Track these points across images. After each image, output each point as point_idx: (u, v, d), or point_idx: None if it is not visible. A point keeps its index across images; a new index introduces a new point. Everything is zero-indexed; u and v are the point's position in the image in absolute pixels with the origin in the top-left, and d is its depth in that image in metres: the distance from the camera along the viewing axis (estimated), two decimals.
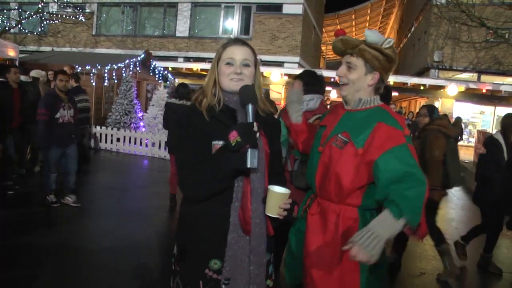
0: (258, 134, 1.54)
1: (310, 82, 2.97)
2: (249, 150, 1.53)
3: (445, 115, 13.12)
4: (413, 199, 1.63)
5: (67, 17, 18.86)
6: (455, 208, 7.75)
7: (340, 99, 2.06)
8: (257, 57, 1.78)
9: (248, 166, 1.53)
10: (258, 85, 1.75)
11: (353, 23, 34.70)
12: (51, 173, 5.37)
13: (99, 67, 11.43)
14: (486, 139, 4.70)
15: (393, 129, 1.78)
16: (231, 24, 20.28)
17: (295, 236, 2.07)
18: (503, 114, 17.50)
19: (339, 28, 1.99)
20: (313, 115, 2.84)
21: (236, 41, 1.73)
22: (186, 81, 17.43)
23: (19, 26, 17.87)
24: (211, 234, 1.64)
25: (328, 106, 4.63)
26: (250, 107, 1.59)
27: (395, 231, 1.62)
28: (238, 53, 1.69)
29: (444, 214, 7.18)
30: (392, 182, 1.68)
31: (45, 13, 18.18)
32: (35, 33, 19.34)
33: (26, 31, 18.44)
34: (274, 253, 1.84)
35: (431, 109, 4.36)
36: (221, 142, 1.61)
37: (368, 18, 34.27)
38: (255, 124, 1.55)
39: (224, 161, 1.56)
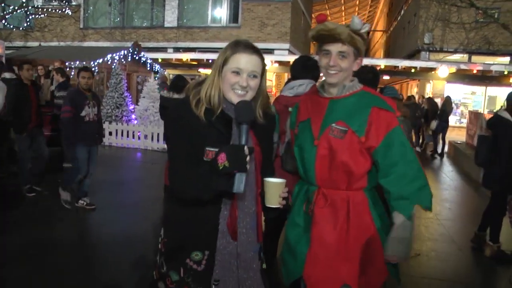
0: (248, 158, 1.47)
1: (300, 68, 3.05)
2: (236, 174, 1.47)
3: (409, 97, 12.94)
4: (421, 192, 1.85)
5: (53, 11, 18.59)
6: (448, 189, 7.82)
7: None
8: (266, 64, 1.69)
9: (234, 191, 1.49)
10: (262, 91, 1.68)
11: (343, 7, 34.52)
12: (79, 174, 5.15)
13: (88, 60, 11.31)
14: (493, 120, 4.45)
15: (387, 113, 1.85)
16: (220, 12, 20.10)
17: (293, 231, 2.04)
18: (494, 94, 17.63)
19: (322, 16, 1.92)
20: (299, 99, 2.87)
21: (247, 47, 1.59)
22: (177, 71, 17.34)
23: (3, 21, 17.59)
24: (198, 237, 1.66)
25: None
26: (244, 127, 1.51)
27: (411, 227, 1.85)
28: (246, 63, 1.57)
29: (437, 194, 7.24)
30: (392, 166, 1.84)
31: (30, 7, 17.88)
32: (20, 28, 19.07)
33: (11, 26, 18.16)
34: (267, 248, 1.87)
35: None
36: (213, 150, 1.55)
37: (357, 2, 34.09)
38: (246, 148, 1.47)
39: (211, 179, 1.51)
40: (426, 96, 15.46)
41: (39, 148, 5.85)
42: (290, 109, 2.91)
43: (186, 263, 1.68)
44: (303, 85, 2.99)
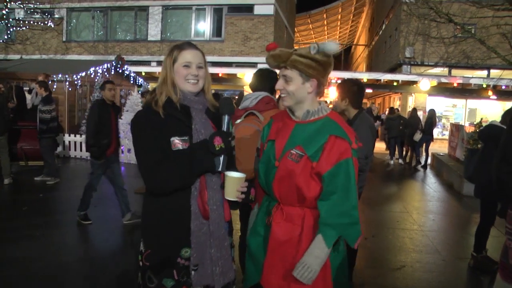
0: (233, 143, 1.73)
1: (254, 81, 3.11)
2: (222, 156, 1.75)
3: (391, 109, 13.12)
4: (350, 227, 1.87)
5: (35, 24, 18.42)
6: (431, 200, 7.89)
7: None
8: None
9: (219, 169, 1.76)
10: (208, 82, 1.91)
11: (325, 22, 35.06)
12: (95, 190, 5.20)
13: (70, 73, 11.18)
14: (485, 131, 4.41)
15: (343, 143, 1.86)
16: (203, 26, 20.20)
17: (254, 239, 2.10)
18: (474, 107, 17.96)
19: (271, 45, 2.00)
20: (245, 111, 2.94)
21: (190, 45, 1.87)
22: None
23: None
24: (176, 225, 1.76)
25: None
26: (226, 118, 1.79)
27: (325, 258, 1.85)
28: (193, 57, 1.83)
29: (421, 206, 7.31)
30: (331, 193, 1.85)
31: (11, 20, 17.68)
32: (1, 41, 18.81)
33: None
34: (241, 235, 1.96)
35: None
36: (178, 139, 1.75)
37: (339, 17, 34.69)
38: (231, 134, 1.74)
39: (197, 161, 1.71)
40: (410, 109, 15.60)
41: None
42: (236, 122, 2.97)
43: (177, 263, 1.77)
44: (250, 98, 3.00)
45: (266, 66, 3.49)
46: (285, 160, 1.93)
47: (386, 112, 13.42)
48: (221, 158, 1.74)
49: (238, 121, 2.92)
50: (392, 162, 12.56)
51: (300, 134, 1.94)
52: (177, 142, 1.75)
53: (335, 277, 1.97)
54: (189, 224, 1.75)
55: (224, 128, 1.78)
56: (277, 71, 2.06)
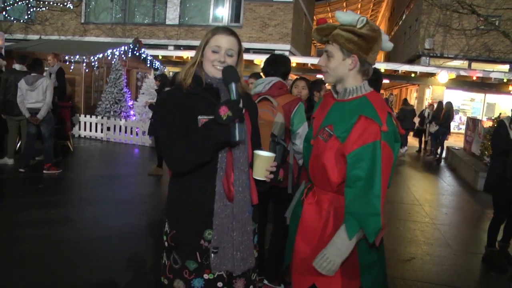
0: (244, 110, 1.67)
1: (266, 66, 3.13)
2: (237, 124, 1.65)
3: (405, 100, 13.34)
4: (371, 218, 1.70)
5: (55, 4, 18.53)
6: (445, 194, 7.82)
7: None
8: (242, 47, 1.87)
9: (237, 139, 1.66)
10: (240, 72, 1.82)
11: (344, 10, 34.51)
12: None
13: (88, 55, 11.27)
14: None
15: (373, 125, 1.72)
16: (222, 11, 20.08)
17: (292, 220, 2.07)
18: (493, 101, 17.77)
19: (321, 17, 1.93)
20: (258, 96, 2.96)
21: (225, 29, 1.81)
22: (177, 69, 17.32)
23: (4, 13, 17.51)
24: (200, 206, 1.74)
25: (320, 93, 4.61)
26: (233, 85, 1.70)
27: (347, 251, 1.74)
28: (224, 42, 1.78)
29: (434, 199, 7.25)
30: (356, 180, 1.72)
31: (31, 0, 17.82)
32: (21, 21, 18.99)
33: (12, 18, 18.08)
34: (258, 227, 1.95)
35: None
36: (206, 117, 1.71)
37: (359, 5, 34.16)
38: (240, 100, 1.68)
39: (211, 134, 1.65)
40: (430, 101, 15.62)
41: None
42: None
43: (200, 245, 1.75)
44: (263, 83, 3.03)
45: (283, 53, 3.53)
46: (317, 139, 1.88)
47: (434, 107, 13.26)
48: (236, 128, 1.64)
49: None
50: (402, 151, 12.34)
51: (335, 112, 1.87)
52: (203, 120, 1.72)
53: (365, 274, 1.87)
54: (213, 205, 1.73)
55: (234, 96, 1.69)
56: (288, 57, 2.03)
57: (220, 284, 1.78)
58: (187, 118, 1.73)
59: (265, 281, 3.16)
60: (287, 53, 18.64)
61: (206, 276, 1.76)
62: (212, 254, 1.74)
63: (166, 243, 1.84)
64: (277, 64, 3.09)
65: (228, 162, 1.74)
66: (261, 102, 2.92)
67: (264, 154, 1.77)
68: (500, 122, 4.33)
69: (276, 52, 18.41)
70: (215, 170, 1.74)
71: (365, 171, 1.71)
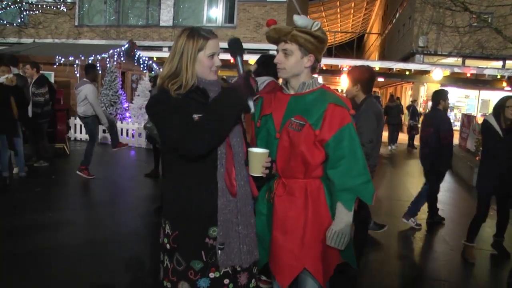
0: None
1: (259, 66, 3.19)
2: (249, 100, 1.75)
3: (391, 97, 14.25)
4: (364, 186, 1.98)
5: (48, 8, 18.46)
6: (441, 190, 7.83)
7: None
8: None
9: (252, 110, 1.78)
10: None
11: (338, 9, 34.63)
12: None
13: (82, 58, 11.24)
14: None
15: (342, 110, 1.97)
16: (215, 12, 20.08)
17: (258, 219, 2.11)
18: (487, 98, 17.98)
19: (271, 20, 2.08)
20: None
21: (212, 33, 1.83)
22: None
23: None
24: (202, 204, 1.74)
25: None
26: (239, 59, 1.78)
27: (350, 220, 1.99)
28: (217, 47, 1.82)
29: None
30: (339, 159, 1.95)
31: (24, 3, 17.73)
32: (14, 24, 18.90)
33: (5, 22, 17.99)
34: None
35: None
36: (199, 115, 1.71)
37: (353, 4, 34.21)
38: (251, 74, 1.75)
39: (232, 101, 1.70)
40: (425, 99, 16.06)
41: None
42: None
43: (205, 244, 1.75)
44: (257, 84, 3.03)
45: (267, 53, 3.57)
46: (286, 130, 2.01)
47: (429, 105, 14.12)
48: (249, 102, 1.76)
49: None
50: (389, 148, 13.25)
51: (297, 104, 2.03)
52: (199, 118, 1.71)
53: (343, 251, 2.07)
54: (216, 202, 1.73)
55: (240, 69, 1.78)
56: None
57: (226, 281, 1.78)
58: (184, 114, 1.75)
59: (263, 277, 3.17)
60: None
61: (212, 274, 1.75)
62: (219, 251, 1.74)
63: (168, 246, 1.80)
64: (268, 65, 3.10)
65: (228, 157, 1.76)
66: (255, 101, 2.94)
67: (259, 151, 1.84)
68: (485, 123, 4.33)
69: (270, 52, 18.49)
70: (214, 168, 1.74)
71: (346, 149, 1.95)
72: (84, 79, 6.73)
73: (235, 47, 1.79)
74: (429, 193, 5.35)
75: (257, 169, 1.82)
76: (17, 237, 4.15)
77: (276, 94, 2.16)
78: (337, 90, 16.74)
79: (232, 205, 1.76)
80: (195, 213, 1.74)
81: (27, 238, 4.13)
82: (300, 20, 1.99)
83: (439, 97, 5.19)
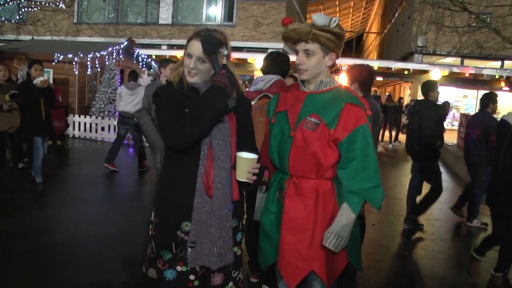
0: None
1: (267, 64, 3.12)
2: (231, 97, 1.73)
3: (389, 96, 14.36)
4: (373, 191, 1.92)
5: (47, 5, 18.39)
6: None
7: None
8: (222, 49, 1.78)
9: (230, 107, 1.72)
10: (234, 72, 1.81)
11: (337, 9, 34.64)
12: None
13: (81, 55, 11.23)
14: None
15: (358, 110, 1.92)
16: (214, 11, 20.06)
17: (267, 218, 2.11)
18: None
19: (286, 19, 2.01)
20: (259, 94, 2.96)
21: (198, 34, 1.77)
22: None
23: None
24: (181, 198, 1.76)
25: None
26: (213, 57, 1.70)
27: (352, 226, 1.91)
28: (196, 48, 1.76)
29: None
30: (351, 160, 1.90)
31: (22, 0, 17.66)
32: (12, 21, 18.84)
33: (3, 18, 17.92)
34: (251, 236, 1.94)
35: None
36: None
37: (352, 4, 34.23)
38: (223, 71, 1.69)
39: (210, 101, 1.67)
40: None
41: None
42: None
43: (177, 236, 1.77)
44: (264, 81, 3.01)
45: (276, 51, 3.55)
46: (300, 129, 1.96)
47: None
48: (232, 98, 1.73)
49: (252, 103, 2.93)
50: (390, 146, 13.60)
51: (313, 103, 1.98)
52: None
53: (351, 251, 2.04)
54: (193, 201, 1.74)
55: (215, 68, 1.71)
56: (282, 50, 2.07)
57: (192, 277, 1.79)
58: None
59: (266, 287, 3.13)
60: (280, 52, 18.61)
61: (179, 268, 1.78)
62: (189, 249, 1.75)
63: (150, 232, 1.87)
64: (276, 63, 3.08)
65: (208, 159, 1.75)
66: (262, 99, 2.91)
67: (245, 155, 1.77)
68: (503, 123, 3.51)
69: (269, 51, 18.48)
70: (196, 167, 1.75)
71: (358, 151, 1.89)
72: (132, 82, 7.62)
73: (209, 46, 1.70)
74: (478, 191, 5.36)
75: (242, 174, 1.77)
76: (15, 234, 4.15)
77: (293, 91, 2.10)
78: None
79: (208, 206, 1.75)
80: (171, 205, 1.79)
81: (26, 235, 4.13)
82: (319, 18, 1.93)
83: (489, 100, 5.24)
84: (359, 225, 2.13)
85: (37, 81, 5.15)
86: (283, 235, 2.01)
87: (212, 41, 1.70)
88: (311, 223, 1.97)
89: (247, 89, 3.17)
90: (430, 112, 5.00)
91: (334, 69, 2.09)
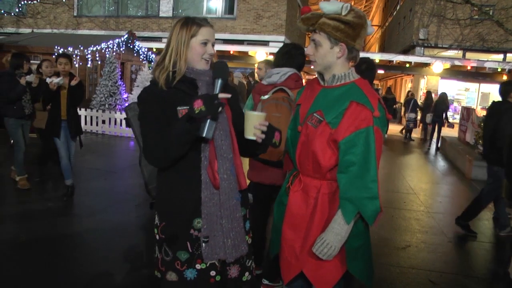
0: (220, 109, 1.62)
1: (280, 56, 3.00)
2: (208, 121, 1.63)
3: (388, 89, 14.50)
4: (369, 202, 1.74)
5: None
6: (439, 183, 7.88)
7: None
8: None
9: (204, 135, 1.64)
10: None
11: (338, 1, 34.39)
12: None
13: (81, 48, 11.19)
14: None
15: (364, 110, 1.74)
16: (215, 3, 19.95)
17: (278, 208, 2.09)
18: (487, 91, 18.10)
19: (305, 8, 1.91)
20: (274, 87, 2.86)
21: (207, 21, 1.80)
22: None
23: None
24: (188, 195, 1.74)
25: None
26: (219, 81, 1.70)
27: (346, 235, 1.78)
28: (211, 35, 1.79)
29: (429, 188, 7.30)
30: (349, 165, 1.74)
31: None
32: (12, 14, 18.76)
33: (3, 11, 17.85)
34: (258, 224, 1.92)
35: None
36: (185, 108, 1.68)
37: None
38: (220, 96, 1.63)
39: (180, 127, 1.63)
40: (424, 91, 16.32)
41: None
42: (262, 97, 2.89)
43: (191, 235, 1.75)
44: (278, 74, 2.90)
45: (277, 45, 3.48)
46: (306, 125, 1.88)
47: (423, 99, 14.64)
48: (207, 123, 1.63)
49: (266, 96, 2.84)
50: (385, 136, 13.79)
51: (324, 98, 1.87)
52: (183, 110, 1.70)
53: (351, 259, 1.89)
54: (200, 195, 1.72)
55: (216, 91, 1.68)
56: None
57: (213, 272, 1.78)
58: (168, 111, 1.71)
59: (265, 281, 3.08)
60: (281, 44, 18.49)
61: (198, 266, 1.76)
62: (203, 244, 1.73)
63: (157, 236, 1.83)
64: (289, 56, 2.97)
65: (210, 150, 1.73)
66: (276, 93, 2.83)
67: (252, 112, 1.72)
68: None
69: (270, 43, 18.47)
70: (198, 160, 1.73)
71: (358, 156, 1.72)
72: None
73: (219, 71, 1.71)
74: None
75: (250, 131, 1.70)
76: (14, 225, 4.16)
77: (313, 84, 2.00)
78: None
79: (216, 198, 1.74)
80: (179, 205, 1.75)
81: (25, 226, 4.14)
82: (327, 6, 1.78)
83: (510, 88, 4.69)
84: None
85: (31, 77, 5.09)
86: (284, 228, 1.98)
87: (225, 68, 1.74)
88: (307, 223, 1.90)
89: (261, 82, 3.10)
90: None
91: (355, 61, 1.89)
